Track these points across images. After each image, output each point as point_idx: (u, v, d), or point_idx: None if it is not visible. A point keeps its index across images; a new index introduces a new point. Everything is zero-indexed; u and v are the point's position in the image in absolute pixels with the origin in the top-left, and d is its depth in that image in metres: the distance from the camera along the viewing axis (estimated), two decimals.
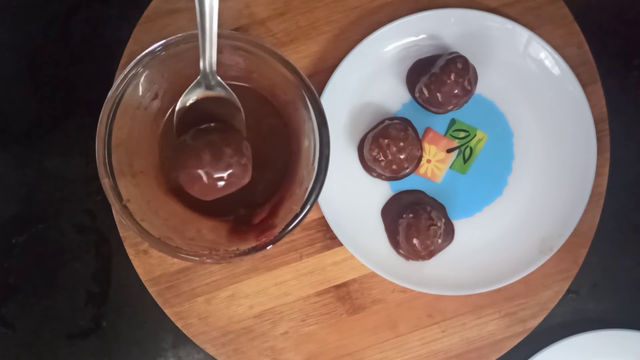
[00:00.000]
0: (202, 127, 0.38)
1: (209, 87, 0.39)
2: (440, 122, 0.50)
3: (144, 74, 0.39)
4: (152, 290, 0.50)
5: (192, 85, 0.39)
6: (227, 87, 0.40)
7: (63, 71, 0.51)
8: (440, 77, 0.45)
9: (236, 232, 0.44)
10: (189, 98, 0.40)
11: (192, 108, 0.40)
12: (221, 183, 0.37)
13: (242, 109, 0.40)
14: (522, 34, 0.48)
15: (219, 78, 0.39)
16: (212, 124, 0.39)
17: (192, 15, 0.49)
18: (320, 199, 0.48)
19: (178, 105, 0.40)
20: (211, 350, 0.51)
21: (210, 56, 0.37)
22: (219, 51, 0.41)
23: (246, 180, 0.38)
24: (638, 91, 0.52)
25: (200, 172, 0.36)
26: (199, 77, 0.39)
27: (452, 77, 0.45)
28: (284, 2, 0.50)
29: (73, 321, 0.52)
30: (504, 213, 0.50)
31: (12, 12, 0.51)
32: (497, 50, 0.49)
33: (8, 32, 0.51)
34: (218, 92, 0.40)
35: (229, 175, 0.37)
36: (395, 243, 0.49)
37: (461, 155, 0.50)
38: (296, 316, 0.51)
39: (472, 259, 0.50)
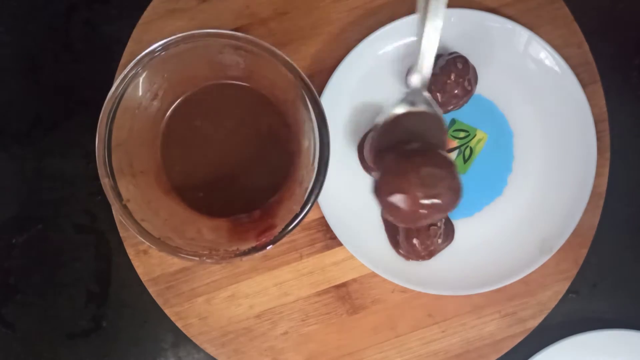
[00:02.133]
0: (410, 148, 0.36)
1: (413, 103, 0.38)
2: None
3: (144, 74, 0.39)
4: (152, 290, 0.50)
5: (398, 99, 0.38)
6: (432, 102, 0.38)
7: (63, 71, 0.51)
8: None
9: (236, 232, 0.44)
10: (394, 112, 0.38)
11: (393, 122, 0.38)
12: (430, 210, 0.34)
13: (446, 126, 0.38)
14: (522, 34, 0.48)
15: (425, 93, 0.37)
16: (420, 144, 0.36)
17: (192, 14, 0.50)
18: (320, 199, 0.48)
19: (381, 120, 0.38)
20: (211, 350, 0.51)
21: (427, 73, 0.36)
22: (219, 51, 0.42)
23: (456, 204, 0.35)
24: (638, 91, 0.52)
25: (411, 197, 0.34)
26: (407, 93, 0.38)
27: (452, 77, 0.45)
28: (284, 2, 0.50)
29: (73, 321, 0.52)
30: (504, 213, 0.50)
31: (12, 12, 0.51)
32: (497, 50, 0.49)
33: (8, 32, 0.51)
34: (423, 109, 0.38)
35: (439, 201, 0.34)
36: (395, 243, 0.49)
37: (461, 155, 0.50)
38: (296, 316, 0.51)
39: (472, 259, 0.50)
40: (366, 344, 0.51)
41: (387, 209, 0.35)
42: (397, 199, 0.34)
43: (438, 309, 0.51)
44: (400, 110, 0.38)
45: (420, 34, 0.34)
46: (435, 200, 0.34)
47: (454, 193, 0.35)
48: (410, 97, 0.37)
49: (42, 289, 0.51)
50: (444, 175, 0.34)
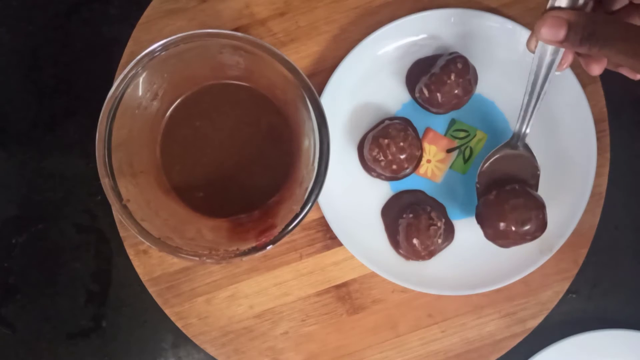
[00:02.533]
0: (508, 189, 0.45)
1: (514, 147, 0.46)
2: (440, 122, 0.50)
3: (144, 74, 0.39)
4: (152, 290, 0.50)
5: (502, 144, 0.46)
6: (529, 147, 0.46)
7: (63, 71, 0.51)
8: (440, 77, 0.45)
9: (236, 232, 0.44)
10: (496, 154, 0.47)
11: (496, 161, 0.47)
12: (521, 235, 0.44)
13: (539, 167, 0.46)
14: (522, 34, 0.48)
15: (525, 140, 0.46)
16: (515, 185, 0.45)
17: (192, 14, 0.50)
18: (320, 199, 0.48)
19: (482, 165, 0.47)
20: (211, 350, 0.51)
21: (529, 122, 0.45)
22: (219, 51, 0.42)
23: (543, 231, 0.44)
24: (638, 91, 0.52)
25: (507, 225, 0.44)
26: (511, 138, 0.46)
27: (452, 77, 0.45)
28: (284, 2, 0.50)
29: (73, 321, 0.52)
30: None
31: (12, 12, 0.51)
32: (497, 50, 0.49)
33: (8, 32, 0.51)
34: (521, 152, 0.47)
35: (528, 228, 0.44)
36: (395, 243, 0.49)
37: (461, 155, 0.50)
38: (296, 316, 0.51)
39: (472, 259, 0.50)
40: (366, 344, 0.51)
41: (488, 233, 0.45)
42: (497, 226, 0.44)
43: (438, 309, 0.51)
44: (502, 152, 0.47)
45: (530, 92, 0.43)
46: (525, 227, 0.44)
47: (541, 222, 0.44)
48: (513, 140, 0.46)
49: (42, 289, 0.51)
50: (533, 209, 0.44)
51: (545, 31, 0.36)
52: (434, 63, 0.47)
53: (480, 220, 0.46)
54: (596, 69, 0.40)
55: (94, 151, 0.38)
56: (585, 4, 0.36)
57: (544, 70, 0.41)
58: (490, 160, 0.47)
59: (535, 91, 0.42)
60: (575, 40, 0.36)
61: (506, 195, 0.44)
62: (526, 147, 0.46)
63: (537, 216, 0.44)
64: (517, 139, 0.46)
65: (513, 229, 0.44)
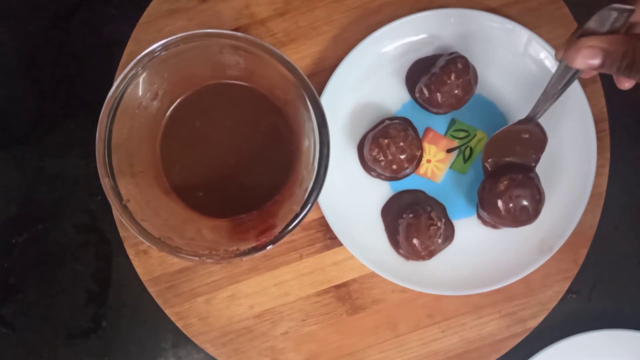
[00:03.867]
0: (516, 178, 0.45)
1: (524, 124, 0.46)
2: (440, 122, 0.50)
3: (144, 74, 0.39)
4: (152, 290, 0.50)
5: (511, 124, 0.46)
6: (540, 124, 0.46)
7: (63, 71, 0.51)
8: (440, 77, 0.45)
9: (236, 232, 0.44)
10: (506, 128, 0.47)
11: (504, 135, 0.46)
12: (520, 214, 0.45)
13: (547, 139, 0.46)
14: (522, 34, 0.48)
15: (538, 121, 0.46)
16: (512, 175, 0.45)
17: (192, 14, 0.50)
18: (320, 199, 0.48)
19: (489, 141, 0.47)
20: (211, 350, 0.51)
21: (540, 114, 0.45)
22: (219, 51, 0.42)
23: (539, 212, 0.45)
24: (638, 91, 0.52)
25: (505, 212, 0.45)
26: (524, 118, 0.46)
27: (452, 77, 0.45)
28: (284, 2, 0.50)
29: (73, 321, 0.52)
30: None
31: (12, 12, 0.51)
32: (497, 50, 0.49)
33: (8, 32, 0.51)
34: (530, 127, 0.46)
35: (525, 206, 0.44)
36: (395, 243, 0.49)
37: (461, 155, 0.50)
38: (296, 316, 0.51)
39: (472, 259, 0.50)
40: (366, 344, 0.51)
41: (490, 215, 0.46)
42: (497, 205, 0.45)
43: (438, 309, 0.51)
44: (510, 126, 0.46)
45: (553, 84, 0.42)
46: (523, 204, 0.44)
47: (536, 203, 0.44)
48: (530, 114, 0.45)
49: (42, 289, 0.51)
50: (530, 193, 0.44)
51: (580, 60, 0.35)
52: (434, 63, 0.47)
53: (480, 196, 0.46)
54: (627, 85, 0.39)
55: (94, 151, 0.38)
56: (622, 25, 0.34)
57: (570, 73, 0.40)
58: (498, 132, 0.46)
59: (560, 84, 0.41)
60: (612, 68, 0.34)
61: (510, 178, 0.45)
62: (537, 124, 0.46)
63: (532, 195, 0.44)
64: (531, 118, 0.45)
65: (510, 206, 0.44)
